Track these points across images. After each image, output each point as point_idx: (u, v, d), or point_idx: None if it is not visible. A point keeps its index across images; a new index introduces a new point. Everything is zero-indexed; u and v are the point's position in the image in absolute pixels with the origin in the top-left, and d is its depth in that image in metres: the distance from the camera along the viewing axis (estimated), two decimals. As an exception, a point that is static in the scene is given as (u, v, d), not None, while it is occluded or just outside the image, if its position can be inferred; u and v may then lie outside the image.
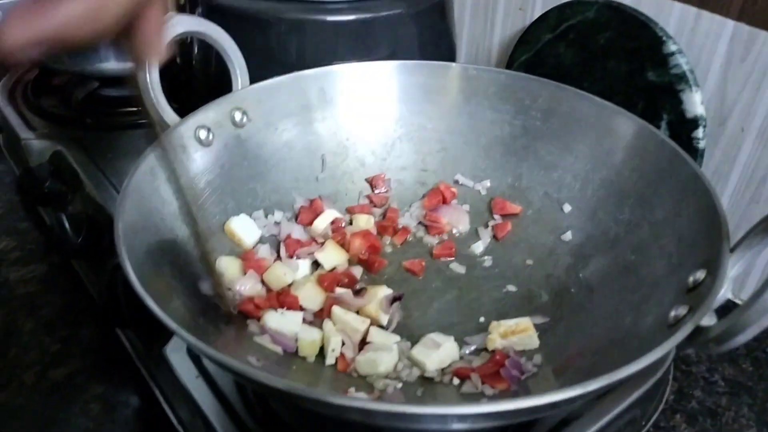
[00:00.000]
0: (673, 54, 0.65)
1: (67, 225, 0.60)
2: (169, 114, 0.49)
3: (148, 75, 0.48)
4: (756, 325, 0.31)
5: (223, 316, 0.46)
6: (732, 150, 0.66)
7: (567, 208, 0.54)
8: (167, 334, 0.52)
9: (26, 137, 0.74)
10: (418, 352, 0.45)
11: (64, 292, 0.68)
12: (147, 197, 0.44)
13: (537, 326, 0.47)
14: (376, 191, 0.59)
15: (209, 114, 0.52)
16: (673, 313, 0.37)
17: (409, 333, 0.48)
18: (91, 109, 0.78)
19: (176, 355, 0.50)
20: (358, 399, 0.30)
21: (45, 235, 0.74)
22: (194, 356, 0.50)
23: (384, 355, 0.45)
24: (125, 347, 0.59)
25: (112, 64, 0.77)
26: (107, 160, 0.71)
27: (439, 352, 0.45)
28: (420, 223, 0.58)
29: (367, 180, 0.60)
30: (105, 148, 0.73)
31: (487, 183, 0.59)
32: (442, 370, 0.45)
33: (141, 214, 0.43)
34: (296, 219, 0.56)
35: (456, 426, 0.33)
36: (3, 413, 0.56)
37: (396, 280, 0.54)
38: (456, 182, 0.60)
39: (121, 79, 0.79)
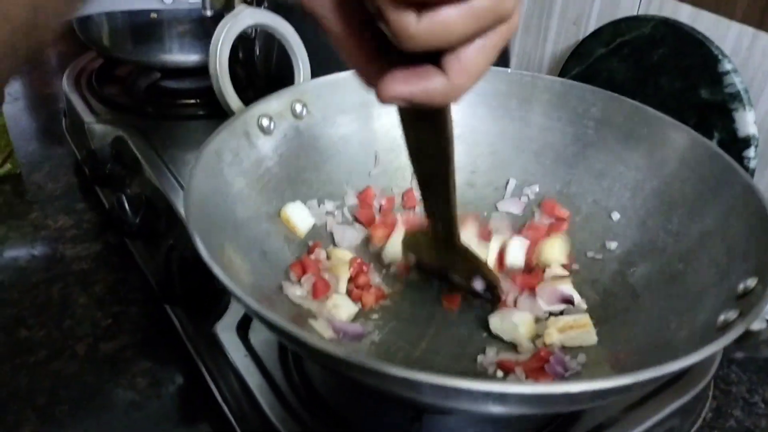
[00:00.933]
0: (728, 73, 0.65)
1: (126, 206, 0.62)
2: (235, 101, 0.51)
3: (218, 64, 0.50)
4: (809, 328, 0.32)
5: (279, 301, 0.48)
6: (783, 172, 0.66)
7: (615, 216, 0.55)
8: (217, 313, 0.54)
9: (90, 121, 0.77)
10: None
11: (116, 271, 0.70)
12: (211, 177, 0.46)
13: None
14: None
15: (272, 104, 0.54)
16: (722, 317, 0.37)
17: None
18: (152, 99, 0.81)
19: (226, 334, 0.52)
20: (405, 370, 0.31)
21: (101, 215, 0.77)
22: (243, 335, 0.52)
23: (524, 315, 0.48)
24: (173, 326, 0.61)
25: (174, 56, 0.80)
26: (165, 148, 0.74)
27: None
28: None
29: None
30: (163, 136, 0.76)
31: (536, 188, 0.60)
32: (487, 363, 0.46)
33: (205, 193, 0.45)
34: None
35: (498, 408, 0.34)
36: (56, 380, 0.58)
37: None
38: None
39: (182, 71, 0.83)
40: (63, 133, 0.91)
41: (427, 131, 0.35)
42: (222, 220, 0.45)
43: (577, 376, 0.44)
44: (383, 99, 0.29)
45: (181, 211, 0.63)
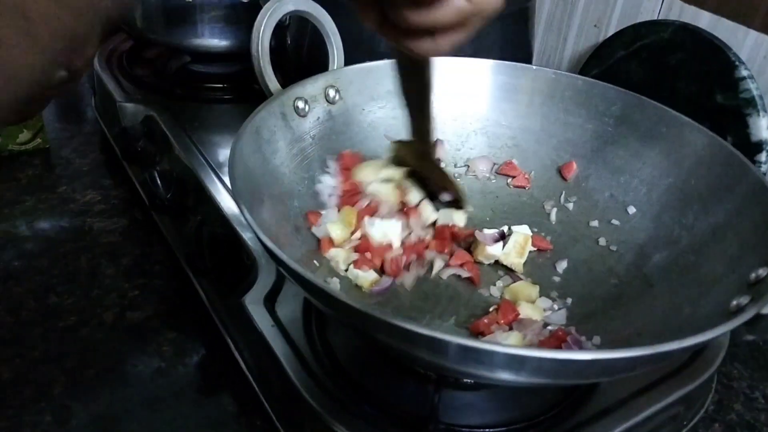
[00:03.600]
0: (744, 79, 0.67)
1: (159, 181, 0.65)
2: (274, 83, 0.54)
3: (260, 46, 0.53)
4: (816, 312, 0.34)
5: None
6: (793, 177, 0.68)
7: (631, 210, 0.57)
8: (245, 286, 0.56)
9: (121, 100, 0.80)
10: None
11: (142, 245, 0.73)
12: (251, 153, 0.49)
13: (598, 309, 0.50)
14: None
15: (307, 88, 0.56)
16: (734, 302, 0.39)
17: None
18: (181, 81, 0.84)
19: (254, 306, 0.54)
20: (429, 329, 0.33)
21: (129, 191, 0.79)
22: (270, 307, 0.54)
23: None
24: (198, 298, 0.64)
25: (205, 41, 0.82)
26: (193, 128, 0.76)
27: None
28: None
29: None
30: (191, 118, 0.78)
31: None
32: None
33: (247, 166, 0.47)
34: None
35: (514, 376, 0.36)
36: (85, 345, 0.61)
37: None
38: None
39: (211, 55, 0.85)
40: (91, 112, 0.93)
41: (416, 75, 0.47)
42: (260, 193, 0.48)
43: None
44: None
45: (210, 188, 0.65)
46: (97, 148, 0.88)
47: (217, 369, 0.60)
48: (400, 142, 0.58)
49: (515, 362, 0.34)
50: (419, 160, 0.57)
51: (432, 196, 0.60)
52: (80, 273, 0.69)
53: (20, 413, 0.54)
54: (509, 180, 0.63)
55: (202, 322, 0.63)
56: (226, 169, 0.69)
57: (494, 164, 0.64)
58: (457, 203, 0.59)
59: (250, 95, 0.83)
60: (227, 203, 0.64)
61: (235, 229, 0.61)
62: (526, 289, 0.53)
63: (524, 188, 0.63)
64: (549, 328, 0.51)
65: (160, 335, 0.63)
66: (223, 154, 0.72)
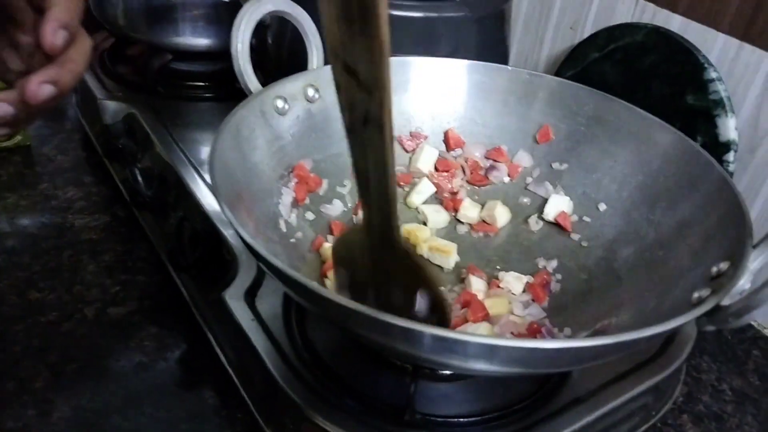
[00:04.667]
0: (713, 81, 0.69)
1: (140, 178, 0.65)
2: (253, 82, 0.55)
3: (240, 46, 0.54)
4: (770, 302, 0.36)
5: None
6: (760, 176, 0.71)
7: (602, 207, 0.59)
8: (226, 281, 0.57)
9: (102, 98, 0.80)
10: None
11: (124, 242, 0.73)
12: (230, 150, 0.50)
13: (569, 302, 0.52)
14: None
15: (287, 87, 0.57)
16: (696, 295, 0.41)
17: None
18: (163, 80, 0.84)
19: (234, 301, 0.55)
20: (407, 321, 0.34)
21: (110, 188, 0.80)
22: (250, 302, 0.55)
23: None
24: (179, 294, 0.65)
25: (187, 39, 0.83)
26: (175, 126, 0.77)
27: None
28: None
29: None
30: (173, 115, 0.79)
31: (530, 179, 0.64)
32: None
33: (226, 164, 0.48)
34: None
35: (487, 365, 0.37)
36: (67, 340, 0.61)
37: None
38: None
39: (193, 54, 0.86)
40: (72, 110, 0.93)
41: (358, 29, 0.30)
42: (240, 190, 0.49)
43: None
44: None
45: (191, 185, 0.66)
46: (79, 145, 0.88)
47: (198, 364, 0.61)
48: (349, 233, 0.45)
49: (487, 351, 0.36)
50: (375, 250, 0.40)
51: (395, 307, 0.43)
52: (62, 269, 0.69)
53: (3, 407, 0.55)
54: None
55: (183, 318, 0.63)
56: (207, 167, 0.70)
57: (486, 149, 0.66)
58: (438, 313, 0.42)
59: (231, 93, 0.83)
60: (208, 200, 0.65)
61: (216, 225, 0.62)
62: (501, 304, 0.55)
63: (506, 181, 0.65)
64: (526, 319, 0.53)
65: (141, 330, 0.63)
66: (204, 151, 0.73)
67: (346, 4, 0.29)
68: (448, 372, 0.51)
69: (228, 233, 0.61)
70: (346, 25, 0.30)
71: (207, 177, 0.68)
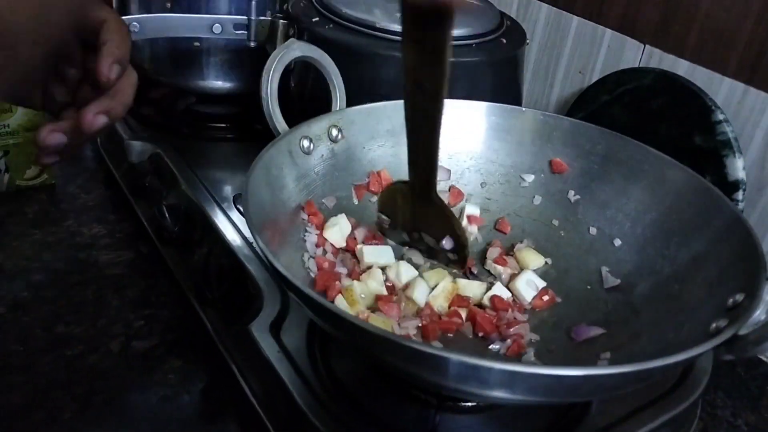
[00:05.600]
0: (720, 122, 0.72)
1: (167, 214, 0.68)
2: (281, 123, 0.58)
3: (269, 89, 0.56)
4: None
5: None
6: (768, 215, 0.73)
7: (617, 242, 0.61)
8: (251, 314, 0.59)
9: (129, 138, 0.83)
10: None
11: (147, 277, 0.75)
12: (261, 187, 0.52)
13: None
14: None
15: (312, 127, 0.60)
16: (714, 325, 0.42)
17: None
18: (186, 121, 0.87)
19: (260, 333, 0.56)
20: (444, 350, 0.36)
21: (134, 225, 0.82)
22: (275, 334, 0.57)
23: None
24: (203, 328, 0.66)
25: (210, 83, 0.86)
26: (198, 165, 0.79)
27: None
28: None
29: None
30: (196, 155, 0.82)
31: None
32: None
33: (256, 201, 0.50)
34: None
35: (515, 394, 0.39)
36: (93, 373, 0.63)
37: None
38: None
39: (215, 96, 0.89)
40: (92, 151, 0.96)
41: (428, 59, 0.40)
42: (270, 225, 0.51)
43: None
44: None
45: (216, 221, 0.68)
46: (102, 184, 0.91)
47: (222, 396, 0.62)
48: (394, 185, 0.57)
49: (508, 378, 0.37)
50: (416, 201, 0.54)
51: (430, 251, 0.60)
52: (87, 304, 0.71)
53: (32, 437, 0.56)
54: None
55: (206, 352, 0.65)
56: (230, 204, 0.72)
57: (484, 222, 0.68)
58: (459, 252, 0.57)
59: (251, 134, 0.87)
60: (232, 236, 0.67)
61: (241, 260, 0.64)
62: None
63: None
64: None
65: (165, 363, 0.65)
66: (227, 190, 0.75)
67: (423, 46, 0.39)
68: (470, 404, 0.53)
69: (252, 268, 0.63)
70: (421, 54, 0.40)
71: (231, 214, 0.70)
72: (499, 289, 0.59)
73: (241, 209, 0.70)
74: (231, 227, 0.68)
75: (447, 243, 0.57)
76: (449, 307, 0.58)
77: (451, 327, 0.56)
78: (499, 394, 0.40)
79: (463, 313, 0.57)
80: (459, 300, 0.58)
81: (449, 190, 0.67)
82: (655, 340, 0.49)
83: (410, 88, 0.43)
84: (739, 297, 0.44)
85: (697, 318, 0.47)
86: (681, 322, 0.48)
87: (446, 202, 0.66)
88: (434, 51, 0.39)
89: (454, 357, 0.36)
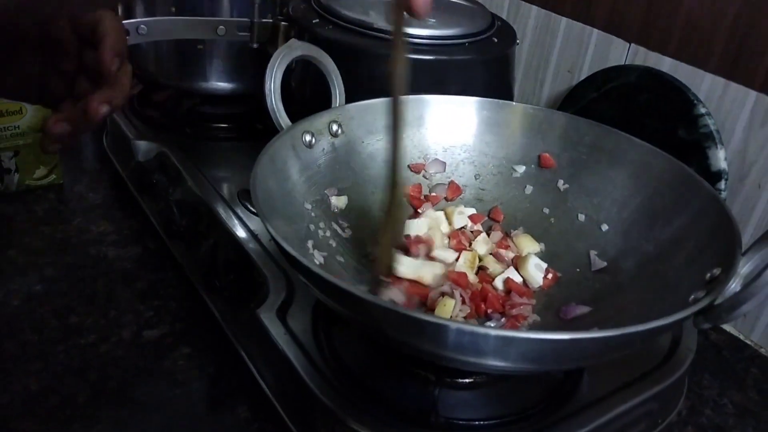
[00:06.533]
0: (702, 116, 0.75)
1: (175, 209, 0.71)
2: (284, 118, 0.61)
3: (273, 86, 0.60)
4: (757, 297, 0.40)
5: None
6: (749, 204, 0.76)
7: (605, 227, 0.64)
8: (258, 300, 0.62)
9: (135, 138, 0.86)
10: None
11: (155, 271, 0.78)
12: (267, 178, 0.55)
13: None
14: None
15: (313, 122, 0.63)
16: (692, 297, 0.46)
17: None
18: (190, 121, 0.90)
19: (267, 317, 0.59)
20: (445, 319, 0.39)
21: (141, 222, 0.85)
22: (282, 318, 0.60)
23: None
24: (211, 317, 0.69)
25: (213, 84, 0.89)
26: (202, 163, 0.82)
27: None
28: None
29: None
30: (202, 154, 0.85)
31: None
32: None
33: (263, 190, 0.53)
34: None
35: (509, 361, 0.42)
36: (106, 360, 0.65)
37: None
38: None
39: (217, 97, 0.92)
40: (100, 151, 0.99)
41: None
42: (276, 213, 0.54)
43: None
44: None
45: (222, 215, 0.71)
46: (108, 184, 0.94)
47: (231, 380, 0.64)
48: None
49: (503, 344, 0.40)
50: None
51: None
52: (98, 296, 0.74)
53: (48, 419, 0.59)
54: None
55: (214, 339, 0.68)
56: (235, 199, 0.75)
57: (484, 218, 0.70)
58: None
59: (253, 134, 0.90)
60: (237, 229, 0.70)
61: (247, 251, 0.67)
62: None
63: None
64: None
65: (175, 351, 0.67)
66: (231, 186, 0.78)
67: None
68: (467, 380, 0.56)
69: (257, 258, 0.66)
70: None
71: (236, 209, 0.73)
72: (512, 273, 0.62)
73: (246, 204, 0.73)
74: (236, 220, 0.71)
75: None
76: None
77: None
78: (494, 362, 0.43)
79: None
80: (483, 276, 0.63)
81: (448, 185, 0.70)
82: (639, 314, 0.52)
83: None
84: (717, 271, 0.47)
85: (679, 292, 0.50)
86: (663, 296, 0.52)
87: (445, 196, 0.70)
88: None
89: (453, 325, 0.39)
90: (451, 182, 0.70)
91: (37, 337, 0.67)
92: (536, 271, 0.62)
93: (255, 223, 0.71)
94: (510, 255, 0.65)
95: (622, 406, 0.55)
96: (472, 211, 0.69)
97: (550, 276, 0.63)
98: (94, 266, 0.78)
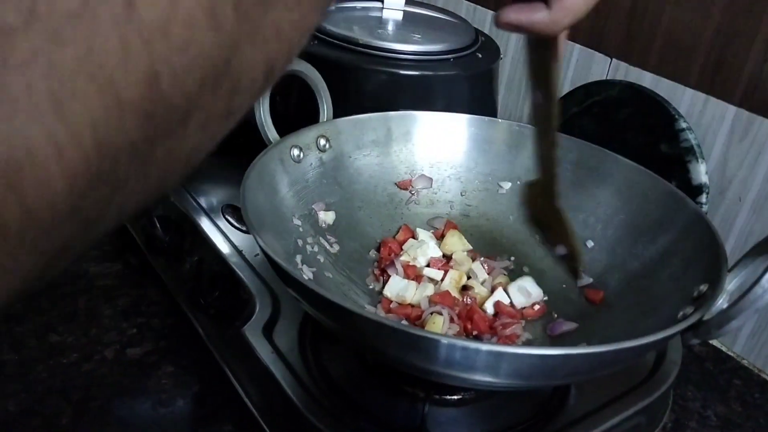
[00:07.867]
0: (683, 130, 0.76)
1: (158, 225, 0.70)
2: (273, 133, 0.60)
3: (261, 100, 0.59)
4: (746, 312, 0.41)
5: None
6: (730, 217, 0.77)
7: (590, 243, 0.64)
8: (244, 318, 0.61)
9: (116, 152, 0.85)
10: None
11: (137, 287, 0.77)
12: (256, 191, 0.55)
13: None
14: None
15: (301, 137, 0.63)
16: (681, 313, 0.46)
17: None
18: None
19: (253, 335, 0.59)
20: (438, 335, 0.39)
21: (121, 238, 0.83)
22: (268, 336, 0.59)
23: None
24: (194, 335, 0.68)
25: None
26: (186, 178, 0.81)
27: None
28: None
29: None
30: (184, 168, 0.84)
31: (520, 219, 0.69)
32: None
33: (252, 203, 0.53)
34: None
35: (499, 377, 0.41)
36: (88, 380, 0.64)
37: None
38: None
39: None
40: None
41: (540, 58, 0.44)
42: (265, 227, 0.53)
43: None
44: (498, 24, 0.40)
45: (206, 230, 0.71)
46: (89, 198, 0.92)
47: (215, 399, 0.64)
48: (528, 184, 0.58)
49: (494, 360, 0.40)
50: (545, 205, 0.56)
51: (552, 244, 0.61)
52: (79, 313, 0.72)
53: (30, 442, 0.57)
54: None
55: (199, 357, 0.67)
56: (218, 214, 0.74)
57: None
58: (571, 260, 0.58)
59: (235, 148, 0.89)
60: (222, 244, 0.69)
61: (232, 267, 0.66)
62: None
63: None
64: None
65: (159, 369, 0.66)
66: (213, 200, 0.77)
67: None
68: (456, 397, 0.55)
69: (242, 274, 0.65)
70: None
71: (220, 223, 0.72)
72: (501, 295, 0.62)
73: (230, 219, 0.73)
74: (220, 236, 0.71)
75: (560, 250, 0.58)
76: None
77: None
78: (484, 378, 0.43)
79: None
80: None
81: (445, 225, 0.70)
82: (627, 330, 0.53)
83: (531, 76, 0.47)
84: (704, 287, 0.48)
85: (666, 308, 0.50)
86: (650, 312, 0.52)
87: (440, 231, 0.69)
88: (544, 58, 0.44)
89: (445, 339, 0.39)
90: (448, 222, 0.70)
91: (16, 356, 0.66)
92: (517, 294, 0.62)
93: (239, 238, 0.70)
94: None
95: (610, 420, 0.56)
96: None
97: (537, 308, 0.62)
98: (74, 283, 0.77)
